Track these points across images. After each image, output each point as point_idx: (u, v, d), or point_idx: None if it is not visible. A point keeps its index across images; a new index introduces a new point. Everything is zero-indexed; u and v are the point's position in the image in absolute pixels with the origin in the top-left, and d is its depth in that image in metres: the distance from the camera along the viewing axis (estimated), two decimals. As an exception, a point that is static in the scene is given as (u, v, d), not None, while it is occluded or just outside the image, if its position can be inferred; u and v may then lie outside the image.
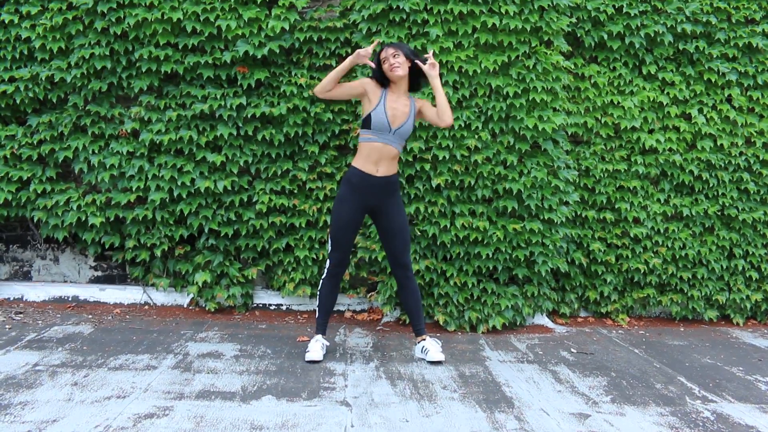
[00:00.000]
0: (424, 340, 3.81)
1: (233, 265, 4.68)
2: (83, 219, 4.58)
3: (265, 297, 4.87)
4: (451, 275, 4.50)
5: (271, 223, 4.65)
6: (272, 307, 4.85)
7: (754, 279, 5.02)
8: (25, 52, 4.52)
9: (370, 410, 2.98)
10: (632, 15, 4.78)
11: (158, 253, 4.62)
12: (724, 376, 3.76)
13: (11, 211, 4.64)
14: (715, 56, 4.91)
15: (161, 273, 4.77)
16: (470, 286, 4.50)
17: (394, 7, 4.37)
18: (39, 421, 2.71)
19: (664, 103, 4.87)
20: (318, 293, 3.80)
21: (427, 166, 4.44)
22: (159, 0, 4.43)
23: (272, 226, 4.66)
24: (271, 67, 4.61)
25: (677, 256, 4.92)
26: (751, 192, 4.97)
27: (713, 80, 4.91)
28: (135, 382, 3.21)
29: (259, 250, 4.69)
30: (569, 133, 4.81)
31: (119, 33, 4.47)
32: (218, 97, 4.53)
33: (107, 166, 4.55)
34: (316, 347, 3.69)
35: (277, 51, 4.50)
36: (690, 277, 4.92)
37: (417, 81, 3.75)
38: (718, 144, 4.91)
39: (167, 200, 4.56)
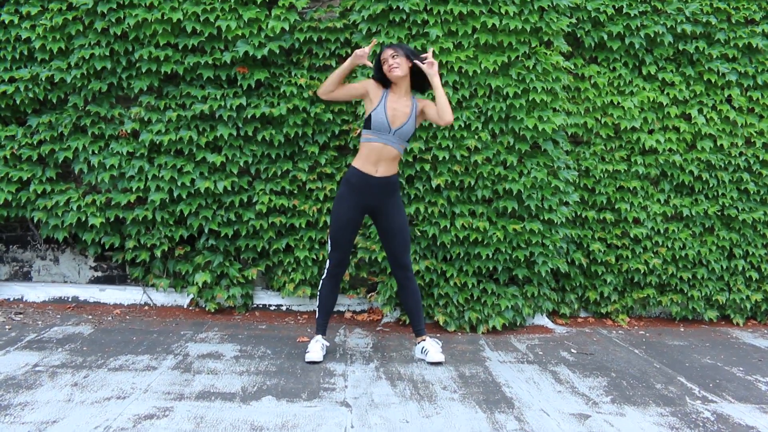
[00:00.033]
0: (424, 340, 3.81)
1: (233, 266, 4.68)
2: (83, 219, 4.58)
3: (265, 297, 4.87)
4: (451, 276, 4.50)
5: (271, 223, 4.65)
6: (272, 308, 4.85)
7: (754, 279, 5.02)
8: (25, 53, 4.52)
9: (370, 411, 2.98)
10: (632, 15, 4.78)
11: (158, 253, 4.62)
12: (724, 376, 3.77)
13: (11, 211, 4.63)
14: (715, 57, 4.91)
15: (161, 273, 4.77)
16: (470, 286, 4.50)
17: (394, 7, 4.37)
18: (39, 421, 2.71)
19: (664, 104, 4.87)
20: (318, 294, 3.80)
21: (427, 167, 4.44)
22: (159, 0, 4.43)
23: (272, 227, 4.66)
24: (271, 68, 4.61)
25: (677, 257, 4.92)
26: (751, 192, 4.97)
27: (713, 80, 4.91)
28: (135, 382, 3.21)
29: (259, 250, 4.69)
30: (569, 134, 4.81)
31: (119, 33, 4.47)
32: (218, 97, 4.53)
33: (107, 167, 4.55)
34: (316, 348, 3.69)
35: (277, 51, 4.50)
36: (690, 277, 4.93)
37: (421, 81, 3.71)
38: (718, 144, 4.91)
39: (167, 201, 4.56)
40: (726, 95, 4.95)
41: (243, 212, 4.61)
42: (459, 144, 4.44)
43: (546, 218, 4.50)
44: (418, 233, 4.48)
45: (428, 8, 4.41)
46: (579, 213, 4.81)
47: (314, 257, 4.67)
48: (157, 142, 4.54)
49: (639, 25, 4.79)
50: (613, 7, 4.78)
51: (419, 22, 4.40)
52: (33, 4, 4.50)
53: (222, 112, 4.53)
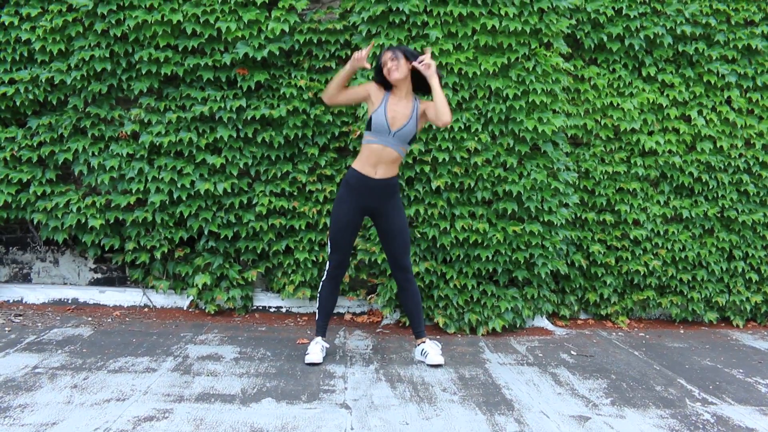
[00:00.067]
0: (424, 342, 3.80)
1: (233, 268, 4.68)
2: (83, 221, 4.57)
3: (264, 299, 4.87)
4: (450, 277, 4.50)
5: (271, 225, 4.65)
6: (272, 310, 4.85)
7: (753, 281, 5.02)
8: (25, 54, 4.52)
9: (370, 413, 2.98)
10: (632, 17, 4.78)
11: (158, 255, 4.62)
12: (724, 378, 3.76)
13: (11, 213, 4.63)
14: (714, 58, 4.91)
15: (161, 275, 4.77)
16: (470, 288, 4.50)
17: (394, 9, 4.37)
18: (38, 423, 2.71)
19: (664, 105, 4.87)
20: (318, 295, 3.80)
21: (427, 168, 4.44)
22: (159, 2, 4.43)
23: (272, 228, 4.66)
24: (270, 69, 4.62)
25: (677, 258, 4.92)
26: (751, 194, 4.97)
27: (713, 82, 4.91)
28: (134, 384, 3.21)
29: (258, 252, 4.69)
30: (569, 135, 4.81)
31: (119, 35, 4.47)
32: (218, 99, 4.53)
33: (107, 168, 4.55)
34: (316, 349, 3.69)
35: (277, 53, 4.51)
36: (690, 279, 4.92)
37: (424, 83, 3.65)
38: (718, 146, 4.91)
39: (167, 202, 4.56)
40: (726, 97, 4.95)
41: (243, 214, 4.61)
42: (459, 146, 4.44)
43: (546, 220, 4.50)
44: (418, 235, 4.48)
45: (428, 10, 4.41)
46: (579, 215, 4.81)
47: (314, 259, 4.67)
48: (157, 144, 4.54)
49: (639, 26, 4.79)
50: (613, 8, 4.78)
51: (419, 23, 4.40)
52: (33, 5, 4.50)
53: (222, 113, 4.53)
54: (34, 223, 4.65)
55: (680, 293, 4.97)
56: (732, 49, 4.92)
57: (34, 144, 4.58)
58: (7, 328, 4.11)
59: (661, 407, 3.22)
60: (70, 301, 4.76)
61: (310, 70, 4.65)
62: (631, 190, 4.85)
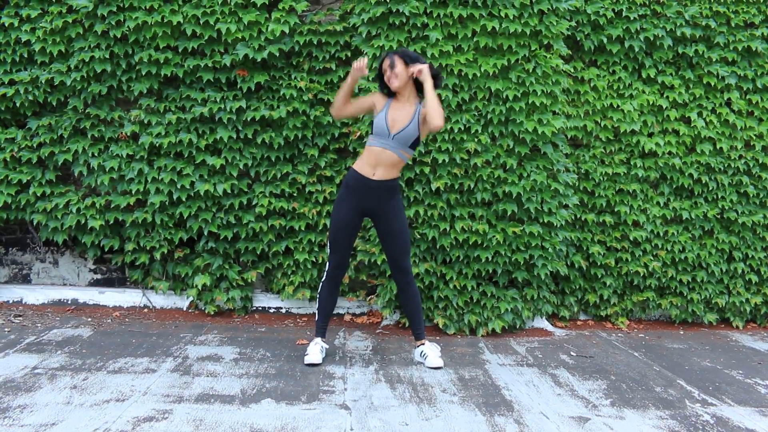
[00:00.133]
0: (423, 344, 3.80)
1: (233, 268, 4.68)
2: (83, 222, 4.57)
3: (264, 300, 4.87)
4: (450, 278, 4.50)
5: (271, 226, 4.65)
6: (272, 310, 4.85)
7: (753, 282, 5.02)
8: (25, 55, 4.53)
9: (370, 413, 2.98)
10: (632, 19, 4.79)
11: (158, 256, 4.62)
12: (724, 379, 3.76)
13: (11, 214, 4.63)
14: (714, 60, 4.91)
15: (161, 276, 4.77)
16: (470, 289, 4.50)
17: (394, 10, 4.38)
18: (38, 424, 2.71)
19: (664, 107, 4.88)
20: (317, 296, 3.80)
21: (427, 170, 4.44)
22: (159, 3, 4.43)
23: (272, 229, 4.66)
24: (270, 71, 4.62)
25: (677, 259, 4.92)
26: (751, 195, 4.97)
27: (712, 84, 4.92)
28: (134, 385, 3.21)
29: (258, 253, 4.69)
30: (569, 137, 4.81)
31: (119, 36, 4.47)
32: (218, 100, 4.53)
33: (107, 169, 4.55)
34: (316, 350, 3.69)
35: (277, 54, 4.51)
36: (689, 280, 4.92)
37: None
38: (718, 147, 4.91)
39: (167, 203, 4.56)
40: (725, 98, 4.96)
41: (242, 215, 4.61)
42: (459, 147, 4.44)
43: (545, 221, 4.50)
44: (418, 236, 4.48)
45: (428, 11, 4.42)
46: (578, 216, 4.81)
47: (314, 260, 4.67)
48: (157, 145, 4.54)
49: (638, 28, 4.80)
50: (613, 10, 4.79)
51: (419, 25, 4.40)
52: (33, 6, 4.50)
53: (222, 114, 4.53)
54: (34, 223, 4.65)
55: (680, 294, 4.97)
56: (732, 51, 4.93)
57: (34, 145, 4.58)
58: (6, 329, 4.11)
59: (661, 408, 3.22)
60: (69, 302, 4.76)
61: (310, 71, 4.65)
62: (630, 191, 4.85)
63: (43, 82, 4.51)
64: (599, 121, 4.84)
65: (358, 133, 4.49)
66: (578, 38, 4.81)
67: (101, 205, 4.59)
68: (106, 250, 4.73)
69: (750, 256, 5.02)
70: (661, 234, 4.89)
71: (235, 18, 4.46)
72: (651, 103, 4.86)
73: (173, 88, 4.62)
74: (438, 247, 4.49)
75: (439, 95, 4.34)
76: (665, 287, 4.99)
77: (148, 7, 4.42)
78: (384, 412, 3.00)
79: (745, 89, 4.98)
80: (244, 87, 4.54)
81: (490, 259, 4.47)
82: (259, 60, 4.51)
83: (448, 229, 4.46)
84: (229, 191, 4.56)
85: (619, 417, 3.08)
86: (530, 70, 4.46)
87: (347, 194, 3.66)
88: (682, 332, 4.89)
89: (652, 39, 4.82)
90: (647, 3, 4.83)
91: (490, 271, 4.52)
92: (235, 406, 2.99)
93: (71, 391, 3.09)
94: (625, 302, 4.94)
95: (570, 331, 4.73)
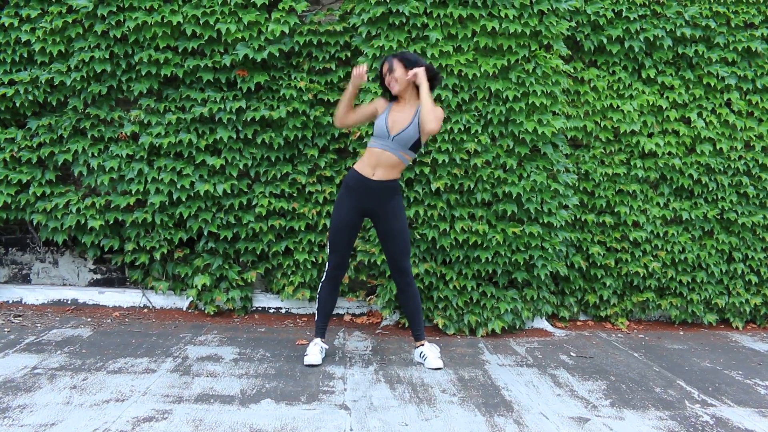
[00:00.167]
0: (423, 345, 3.80)
1: (232, 269, 4.68)
2: (83, 222, 4.57)
3: (264, 300, 4.87)
4: (450, 279, 4.50)
5: (271, 226, 4.65)
6: (271, 311, 4.85)
7: (753, 283, 5.02)
8: (25, 55, 4.53)
9: (369, 414, 2.98)
10: (632, 19, 4.79)
11: (157, 256, 4.62)
12: (724, 380, 3.76)
13: (10, 214, 4.63)
14: (714, 60, 4.91)
15: (160, 276, 4.77)
16: (469, 289, 4.50)
17: (394, 10, 4.37)
18: (38, 424, 2.71)
19: (664, 107, 4.88)
20: (317, 296, 3.80)
21: (427, 170, 4.44)
22: (159, 3, 4.43)
23: (271, 230, 4.66)
24: (270, 71, 4.62)
25: (677, 260, 4.92)
26: (751, 196, 4.97)
27: (712, 84, 4.92)
28: (134, 385, 3.21)
29: (258, 253, 4.69)
30: (569, 137, 4.81)
31: (119, 36, 4.47)
32: (218, 100, 4.54)
33: (107, 169, 4.55)
34: (315, 351, 3.69)
35: (277, 54, 4.51)
36: (689, 280, 4.92)
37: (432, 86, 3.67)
38: (718, 148, 4.91)
39: (167, 203, 4.56)
40: (725, 99, 4.96)
41: (242, 215, 4.61)
42: (458, 147, 4.44)
43: (545, 221, 4.50)
44: (418, 236, 4.48)
45: (428, 12, 4.42)
46: (578, 216, 4.81)
47: (313, 260, 4.67)
48: (157, 145, 4.54)
49: (638, 28, 4.80)
50: (613, 10, 4.79)
51: (419, 25, 4.40)
52: (33, 7, 4.50)
53: (222, 115, 4.53)
54: (34, 223, 4.65)
55: (680, 295, 4.97)
56: (732, 51, 4.93)
57: (34, 145, 4.58)
58: (6, 329, 4.11)
59: (661, 409, 3.22)
60: (69, 302, 4.76)
61: (310, 71, 4.65)
62: (630, 191, 4.85)
63: (43, 82, 4.51)
64: (599, 121, 4.84)
65: (358, 134, 4.49)
66: (578, 38, 4.81)
67: (101, 205, 4.59)
68: (105, 250, 4.73)
69: (750, 256, 5.02)
70: (661, 234, 4.89)
71: (235, 18, 4.46)
72: (651, 103, 4.86)
73: (173, 88, 4.62)
74: (438, 247, 4.49)
75: (439, 95, 4.35)
76: (665, 288, 4.99)
77: (148, 8, 4.42)
78: (384, 412, 3.00)
79: (745, 90, 4.98)
80: (244, 87, 4.54)
81: (489, 259, 4.47)
82: (259, 60, 4.51)
83: (447, 229, 4.46)
84: (229, 191, 4.56)
85: (618, 417, 3.08)
86: (530, 71, 4.46)
87: (347, 194, 3.67)
88: (681, 333, 4.89)
89: (652, 39, 4.82)
90: (647, 3, 4.83)
91: (490, 271, 4.52)
92: (235, 407, 2.99)
93: (71, 391, 3.09)
94: (624, 303, 4.94)
95: (570, 331, 4.73)
